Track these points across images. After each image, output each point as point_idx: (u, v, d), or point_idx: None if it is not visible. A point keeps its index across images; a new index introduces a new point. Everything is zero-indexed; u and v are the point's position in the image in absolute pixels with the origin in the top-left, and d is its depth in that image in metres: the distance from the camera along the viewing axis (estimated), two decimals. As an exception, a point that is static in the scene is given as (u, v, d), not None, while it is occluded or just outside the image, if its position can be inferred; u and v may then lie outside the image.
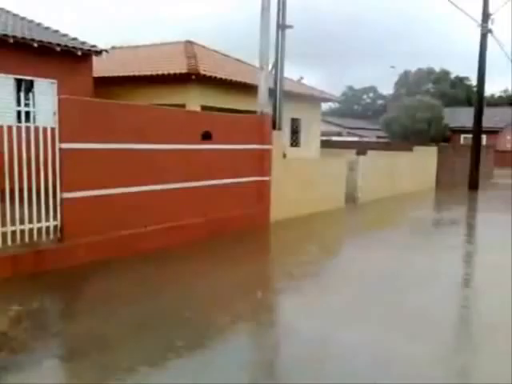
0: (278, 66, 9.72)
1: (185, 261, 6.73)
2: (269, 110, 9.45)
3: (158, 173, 7.31)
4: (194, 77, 11.77)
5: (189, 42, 15.88)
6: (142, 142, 7.06)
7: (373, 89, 61.48)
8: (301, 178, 10.50)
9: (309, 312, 4.95)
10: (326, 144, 24.69)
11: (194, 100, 12.21)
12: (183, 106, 11.94)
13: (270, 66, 9.63)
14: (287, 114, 16.49)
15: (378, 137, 41.61)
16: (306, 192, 10.61)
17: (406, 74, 55.16)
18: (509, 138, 39.19)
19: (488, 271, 6.81)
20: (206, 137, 8.12)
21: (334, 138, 34.62)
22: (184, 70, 11.90)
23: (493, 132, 36.84)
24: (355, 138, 37.61)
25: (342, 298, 5.39)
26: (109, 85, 12.82)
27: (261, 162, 9.35)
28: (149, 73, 12.47)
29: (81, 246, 6.19)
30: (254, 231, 8.75)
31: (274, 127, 9.80)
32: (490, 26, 17.43)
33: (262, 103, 9.33)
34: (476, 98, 18.51)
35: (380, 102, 59.06)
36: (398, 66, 69.77)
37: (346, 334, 4.34)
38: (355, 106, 61.20)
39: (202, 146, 8.07)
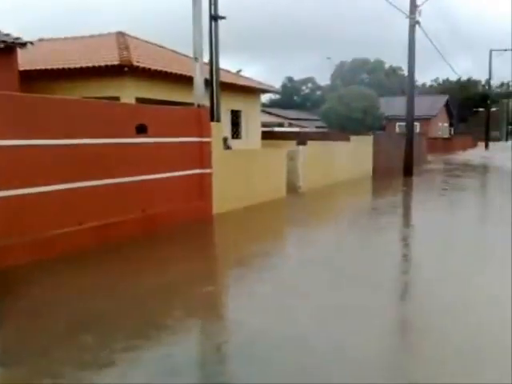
0: (212, 57, 9.58)
1: (113, 260, 6.44)
2: (206, 101, 9.31)
3: (91, 168, 7.01)
4: (126, 68, 11.36)
5: (120, 34, 15.32)
6: (71, 137, 6.74)
7: (311, 80, 62.36)
8: (242, 169, 10.47)
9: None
10: (267, 135, 24.80)
11: (129, 92, 11.81)
12: (117, 98, 11.52)
13: (206, 58, 9.51)
14: (227, 106, 16.41)
15: (318, 127, 42.42)
16: (248, 183, 10.60)
17: (341, 64, 56.43)
18: (440, 124, 41.21)
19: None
20: (141, 130, 7.87)
21: (276, 129, 34.87)
22: (116, 62, 11.47)
23: (425, 119, 38.63)
24: (296, 129, 38.08)
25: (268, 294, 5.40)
26: (37, 79, 12.15)
27: (200, 155, 9.21)
28: (79, 65, 11.91)
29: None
30: (195, 225, 8.59)
31: (212, 119, 9.69)
32: (417, 17, 18.10)
33: (198, 95, 9.17)
34: (407, 87, 19.16)
35: (318, 92, 60.07)
36: (335, 56, 71.47)
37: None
38: (295, 97, 61.88)
39: (137, 140, 7.82)
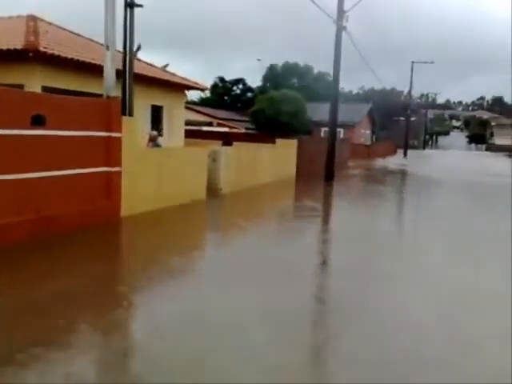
0: (126, 46, 8.90)
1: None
2: (117, 93, 8.62)
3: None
4: (31, 54, 10.35)
5: (31, 17, 14.07)
6: None
7: (242, 81, 62.34)
8: (157, 168, 9.84)
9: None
10: (195, 134, 24.16)
11: (34, 80, 10.79)
12: (21, 86, 10.47)
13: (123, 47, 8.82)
14: (147, 100, 15.66)
15: (247, 128, 42.28)
16: (164, 184, 9.99)
17: (272, 67, 56.85)
18: (363, 131, 42.61)
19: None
20: (38, 121, 7.06)
21: (205, 128, 34.27)
22: (20, 46, 10.41)
23: (349, 126, 39.70)
24: (225, 129, 37.71)
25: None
26: None
27: (108, 151, 8.49)
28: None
29: None
30: (98, 228, 7.85)
31: (124, 113, 9.01)
32: (344, 23, 18.34)
33: (108, 86, 8.46)
34: (332, 93, 19.37)
35: (249, 94, 60.13)
36: (266, 59, 72.02)
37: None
38: (225, 97, 61.51)
39: (32, 132, 6.99)
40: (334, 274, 6.46)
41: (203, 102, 57.11)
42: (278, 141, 18.47)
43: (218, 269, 6.22)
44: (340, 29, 18.30)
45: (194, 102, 58.28)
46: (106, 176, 8.49)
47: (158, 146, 12.93)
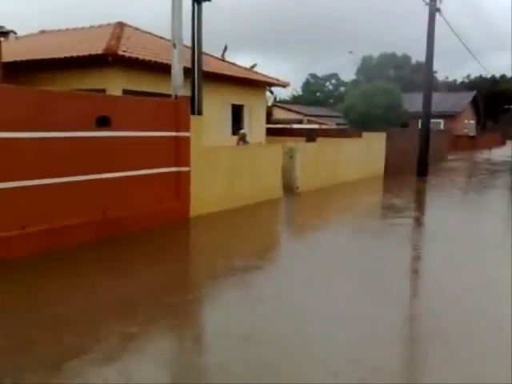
0: (194, 42, 8.78)
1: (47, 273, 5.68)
2: (185, 92, 8.52)
3: (37, 164, 6.32)
4: (110, 58, 10.69)
5: (119, 24, 14.71)
6: (14, 130, 6.06)
7: (335, 76, 61.06)
8: (228, 167, 9.64)
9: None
10: (282, 132, 23.96)
11: (115, 84, 11.15)
12: (103, 90, 10.88)
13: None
14: (227, 99, 15.65)
15: (338, 124, 41.20)
16: (235, 183, 9.78)
17: (367, 59, 54.83)
18: (466, 121, 39.39)
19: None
20: (103, 122, 7.14)
21: (295, 126, 33.96)
22: (100, 51, 10.81)
23: (450, 116, 36.95)
24: (315, 126, 37.04)
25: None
26: (20, 71, 11.63)
27: (177, 151, 8.42)
28: (61, 55, 11.30)
29: None
30: (165, 229, 7.81)
31: (193, 112, 8.90)
32: (438, 4, 16.86)
33: (175, 85, 8.38)
34: (425, 81, 17.91)
35: (342, 89, 58.64)
36: (360, 51, 69.70)
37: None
38: (318, 93, 60.65)
39: (97, 134, 7.08)
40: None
41: (295, 100, 56.82)
42: (365, 134, 17.48)
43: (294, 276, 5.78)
44: (433, 9, 16.83)
45: (285, 101, 58.37)
46: (175, 176, 8.44)
47: (247, 143, 12.95)
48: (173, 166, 8.38)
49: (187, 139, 8.55)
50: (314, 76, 62.72)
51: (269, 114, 48.31)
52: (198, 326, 4.52)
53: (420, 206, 12.17)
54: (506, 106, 55.48)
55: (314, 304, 4.73)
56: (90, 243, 6.64)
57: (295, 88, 61.99)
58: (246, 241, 7.57)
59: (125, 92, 11.31)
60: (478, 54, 66.06)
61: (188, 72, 9.10)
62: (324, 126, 36.77)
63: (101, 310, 4.58)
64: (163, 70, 12.18)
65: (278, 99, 59.76)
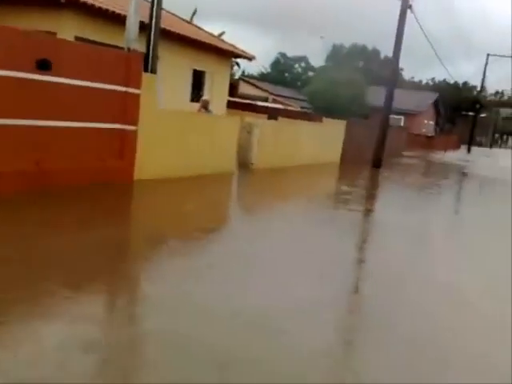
0: (154, -3, 8.18)
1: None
2: (139, 48, 7.96)
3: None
4: (63, 0, 9.88)
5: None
6: None
7: (304, 59, 60.56)
8: (181, 134, 9.18)
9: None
10: (245, 107, 23.54)
11: (67, 29, 10.36)
12: (54, 34, 10.08)
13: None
14: (189, 63, 15.01)
15: (303, 107, 41.04)
16: (186, 151, 9.34)
17: (338, 47, 54.77)
18: (425, 121, 40.21)
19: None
20: (44, 66, 6.53)
21: (260, 103, 33.53)
22: (53, -10, 9.99)
23: (411, 114, 37.59)
24: (280, 106, 36.73)
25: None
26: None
27: (124, 108, 7.90)
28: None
29: None
30: (106, 189, 7.34)
31: (146, 69, 8.37)
32: (410, 1, 16.77)
33: (129, 38, 7.83)
34: (390, 76, 17.91)
35: (311, 73, 58.39)
36: (332, 39, 69.54)
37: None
38: (286, 74, 60.10)
39: (36, 76, 6.47)
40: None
41: (262, 78, 56.14)
42: (326, 120, 17.37)
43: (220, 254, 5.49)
44: (405, 5, 16.73)
45: (253, 77, 57.52)
46: (120, 134, 7.93)
47: (209, 112, 12.45)
48: (118, 122, 7.86)
49: (136, 97, 8.03)
50: (283, 56, 62.03)
51: (235, 88, 47.45)
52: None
53: (369, 194, 12.17)
54: (464, 112, 57.13)
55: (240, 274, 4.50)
56: (18, 194, 6.11)
57: (263, 65, 61.28)
58: (185, 212, 7.20)
59: (77, 39, 10.54)
60: (446, 58, 67.56)
61: (146, 28, 8.54)
62: (289, 108, 36.55)
63: None
64: (122, 21, 11.49)
65: (245, 74, 59.02)
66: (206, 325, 3.47)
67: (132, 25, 7.76)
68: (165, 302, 3.81)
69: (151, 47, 8.22)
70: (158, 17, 8.23)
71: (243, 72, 58.94)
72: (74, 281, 3.99)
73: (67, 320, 3.29)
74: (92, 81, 7.30)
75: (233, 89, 44.24)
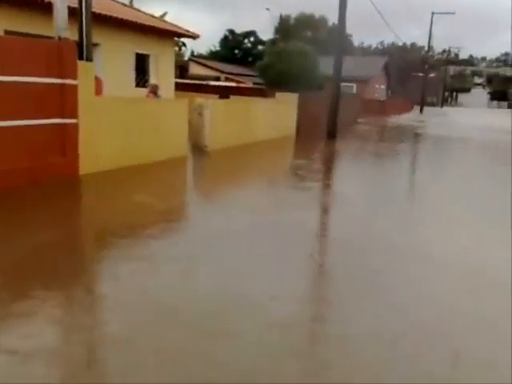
0: (81, -22, 7.66)
1: None
2: (69, 34, 7.47)
3: None
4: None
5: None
6: None
7: (253, 33, 59.74)
8: (125, 122, 8.78)
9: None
10: (196, 88, 23.07)
11: (-6, 23, 9.67)
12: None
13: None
14: (131, 48, 14.44)
15: (255, 83, 40.58)
16: (133, 139, 8.96)
17: (285, 19, 54.24)
18: (377, 86, 40.58)
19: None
20: (-37, 63, 6.03)
21: (212, 83, 32.92)
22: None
23: (363, 81, 37.82)
24: (232, 84, 36.18)
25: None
26: None
27: (61, 101, 7.45)
28: None
29: None
30: (47, 187, 6.94)
31: (81, 57, 7.90)
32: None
33: (59, 26, 7.33)
34: (337, 44, 17.78)
35: (260, 47, 57.73)
36: (279, 10, 68.81)
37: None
38: (236, 50, 59.23)
39: (-45, 76, 5.98)
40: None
41: (212, 56, 55.21)
42: (278, 95, 17.17)
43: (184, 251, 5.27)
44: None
45: (203, 56, 56.41)
46: (59, 128, 7.49)
47: (159, 97, 12.04)
48: (55, 117, 7.41)
49: (73, 87, 7.58)
50: (232, 32, 60.97)
51: (185, 69, 46.39)
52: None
53: (326, 168, 12.14)
54: (414, 74, 58.07)
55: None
56: None
57: (213, 44, 60.22)
58: (136, 204, 6.89)
59: (7, 33, 9.89)
60: (393, 21, 68.00)
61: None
62: (241, 85, 36.06)
63: None
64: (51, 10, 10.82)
65: (195, 54, 57.79)
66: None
67: (60, 12, 7.26)
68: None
69: (84, 34, 7.72)
70: (89, 1, 7.73)
71: (192, 52, 57.85)
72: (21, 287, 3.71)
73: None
74: (21, 75, 6.82)
75: (183, 70, 43.32)
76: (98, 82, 11.40)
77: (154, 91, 12.13)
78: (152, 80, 15.03)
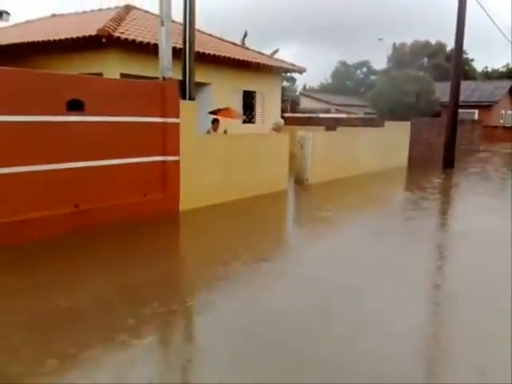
0: (186, 20, 8.00)
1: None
2: (171, 74, 7.77)
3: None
4: (104, 40, 10.04)
5: (127, 6, 14.11)
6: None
7: (366, 63, 58.94)
8: (224, 157, 8.86)
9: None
10: (305, 121, 23.11)
11: (111, 67, 10.54)
12: (99, 74, 10.28)
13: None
14: (238, 85, 14.85)
15: (366, 113, 39.69)
16: (233, 174, 9.00)
17: (399, 47, 52.81)
18: (502, 112, 37.23)
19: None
20: (75, 106, 6.49)
21: (321, 115, 32.89)
22: (94, 33, 10.17)
23: (486, 106, 34.98)
24: (343, 115, 35.77)
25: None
26: (15, 54, 11.15)
27: (163, 139, 7.73)
28: (57, 38, 10.73)
29: None
30: (148, 224, 7.10)
31: (184, 97, 8.17)
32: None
33: (163, 66, 7.68)
34: (453, 67, 16.57)
35: (373, 77, 56.67)
36: (393, 39, 67.39)
37: None
38: (348, 81, 58.82)
39: (68, 118, 6.44)
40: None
41: (324, 89, 55.43)
42: (387, 123, 16.42)
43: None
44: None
45: (314, 90, 56.85)
46: (161, 166, 7.74)
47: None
48: (158, 154, 7.69)
49: (176, 126, 7.83)
50: (343, 64, 60.84)
51: (296, 103, 47.15)
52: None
53: (443, 200, 11.06)
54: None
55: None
56: (56, 238, 6.04)
57: (325, 77, 60.59)
58: (237, 242, 6.75)
59: (123, 76, 10.68)
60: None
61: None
62: (351, 116, 35.46)
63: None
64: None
65: (306, 88, 58.50)
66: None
67: (164, 53, 7.62)
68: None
69: (188, 73, 7.99)
70: (192, 41, 8.02)
71: (304, 86, 58.69)
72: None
73: None
74: (127, 115, 7.19)
75: (294, 104, 44.01)
76: (231, 111, 12.06)
77: (278, 130, 11.61)
78: (259, 116, 15.26)
